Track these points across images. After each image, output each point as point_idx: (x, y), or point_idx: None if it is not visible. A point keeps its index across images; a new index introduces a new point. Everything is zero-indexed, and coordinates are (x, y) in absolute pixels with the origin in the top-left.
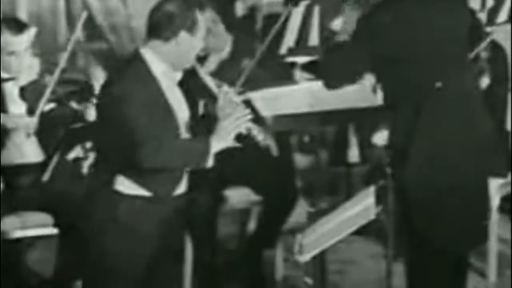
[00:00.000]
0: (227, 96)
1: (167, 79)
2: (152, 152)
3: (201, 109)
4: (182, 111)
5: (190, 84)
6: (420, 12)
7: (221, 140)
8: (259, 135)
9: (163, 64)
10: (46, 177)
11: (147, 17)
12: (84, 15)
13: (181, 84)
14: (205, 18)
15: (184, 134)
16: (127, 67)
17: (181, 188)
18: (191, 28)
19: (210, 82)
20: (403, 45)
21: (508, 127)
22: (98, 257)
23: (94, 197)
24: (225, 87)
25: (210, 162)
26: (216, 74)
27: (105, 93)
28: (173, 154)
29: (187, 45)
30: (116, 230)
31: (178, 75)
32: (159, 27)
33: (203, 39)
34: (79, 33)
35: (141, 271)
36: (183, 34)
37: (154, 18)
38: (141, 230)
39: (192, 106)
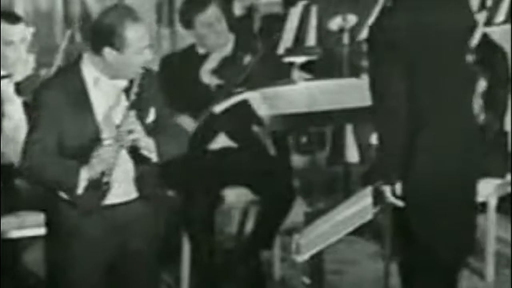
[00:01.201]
0: (127, 120)
1: (100, 88)
2: (32, 165)
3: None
4: (111, 120)
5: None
6: (426, 13)
7: (89, 172)
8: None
9: (96, 72)
10: None
11: None
12: (68, 33)
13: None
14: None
15: (106, 145)
16: (63, 72)
17: (119, 197)
18: (119, 45)
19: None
20: (410, 45)
21: (508, 128)
22: (57, 263)
23: (43, 201)
24: (132, 112)
25: (79, 190)
26: (218, 72)
27: (35, 96)
28: (45, 172)
29: (114, 61)
30: (64, 236)
31: (122, 83)
32: (91, 37)
33: (143, 53)
34: (64, 45)
35: (100, 277)
36: (107, 50)
37: (90, 27)
38: (83, 236)
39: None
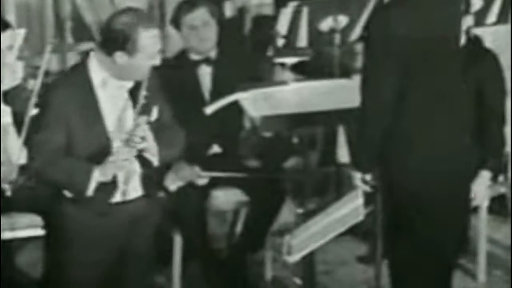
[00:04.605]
0: (138, 127)
1: (108, 88)
2: (41, 165)
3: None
4: (120, 121)
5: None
6: (423, 8)
7: (103, 175)
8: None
9: (105, 73)
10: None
11: None
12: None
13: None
14: (154, 34)
15: (116, 144)
16: (71, 71)
17: (126, 194)
18: (131, 50)
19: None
20: (405, 44)
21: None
22: (57, 263)
23: (47, 201)
24: (143, 118)
25: (89, 192)
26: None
27: (44, 95)
28: (54, 172)
29: (124, 64)
30: (65, 236)
31: (128, 84)
32: (102, 39)
33: (154, 57)
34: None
35: (100, 276)
36: (119, 54)
37: (102, 29)
38: (87, 236)
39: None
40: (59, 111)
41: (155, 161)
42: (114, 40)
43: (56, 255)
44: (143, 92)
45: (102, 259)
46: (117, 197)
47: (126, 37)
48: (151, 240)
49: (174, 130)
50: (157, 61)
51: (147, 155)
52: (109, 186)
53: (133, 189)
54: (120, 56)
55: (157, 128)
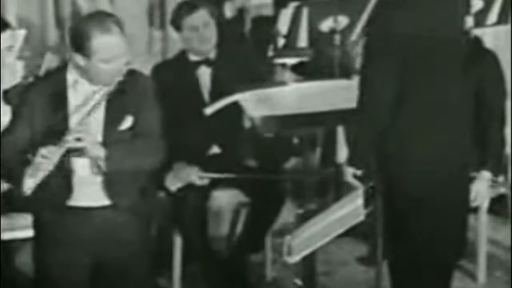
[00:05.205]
0: (81, 126)
1: (78, 89)
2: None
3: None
4: (80, 123)
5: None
6: (424, 8)
7: (30, 174)
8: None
9: (76, 75)
10: None
11: None
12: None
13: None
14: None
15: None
16: (53, 71)
17: (83, 201)
18: (87, 53)
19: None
20: (405, 44)
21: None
22: (35, 262)
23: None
24: (88, 120)
25: (24, 188)
26: None
27: (23, 92)
28: (6, 166)
29: (84, 66)
30: (41, 238)
31: (104, 88)
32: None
33: (114, 62)
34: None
35: (77, 279)
36: (77, 57)
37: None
38: (53, 235)
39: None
40: (30, 109)
41: (102, 166)
42: (73, 42)
43: (34, 254)
44: (100, 97)
45: (72, 262)
46: (74, 201)
47: (81, 39)
48: (132, 248)
49: (148, 141)
50: (120, 66)
51: (99, 162)
52: (61, 188)
53: (96, 197)
54: (77, 58)
55: (131, 135)
